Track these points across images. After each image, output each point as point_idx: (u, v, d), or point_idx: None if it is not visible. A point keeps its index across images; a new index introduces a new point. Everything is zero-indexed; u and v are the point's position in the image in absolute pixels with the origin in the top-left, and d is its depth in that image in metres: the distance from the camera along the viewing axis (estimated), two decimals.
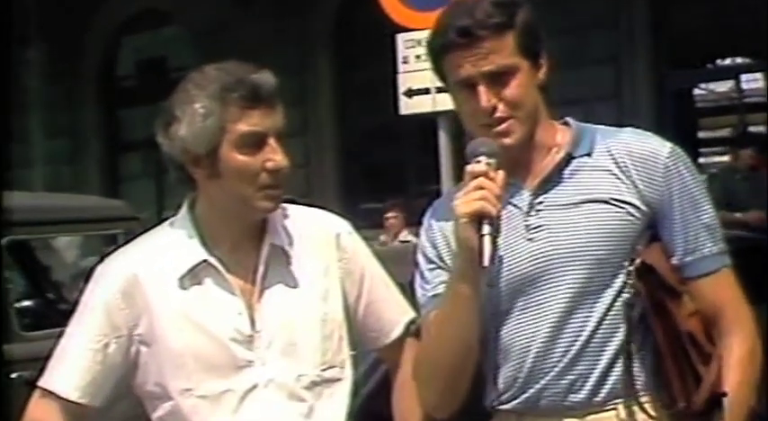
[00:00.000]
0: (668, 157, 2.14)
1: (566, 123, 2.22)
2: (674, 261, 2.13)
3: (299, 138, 11.25)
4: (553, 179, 2.15)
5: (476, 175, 2.04)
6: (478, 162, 2.05)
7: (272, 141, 2.10)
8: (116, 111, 13.93)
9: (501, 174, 2.05)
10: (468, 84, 2.11)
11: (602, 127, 2.22)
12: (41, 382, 2.17)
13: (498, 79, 2.10)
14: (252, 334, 2.12)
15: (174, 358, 2.12)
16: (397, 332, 2.26)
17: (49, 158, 13.79)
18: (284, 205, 2.22)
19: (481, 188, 2.02)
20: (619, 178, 2.13)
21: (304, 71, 11.64)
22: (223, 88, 2.08)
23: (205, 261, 2.14)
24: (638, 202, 2.12)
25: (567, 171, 2.15)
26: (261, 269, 2.14)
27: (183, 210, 2.20)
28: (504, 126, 2.11)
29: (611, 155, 2.15)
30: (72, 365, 2.14)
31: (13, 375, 4.76)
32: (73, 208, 5.98)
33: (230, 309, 2.13)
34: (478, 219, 2.01)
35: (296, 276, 2.16)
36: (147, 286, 2.14)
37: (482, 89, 2.09)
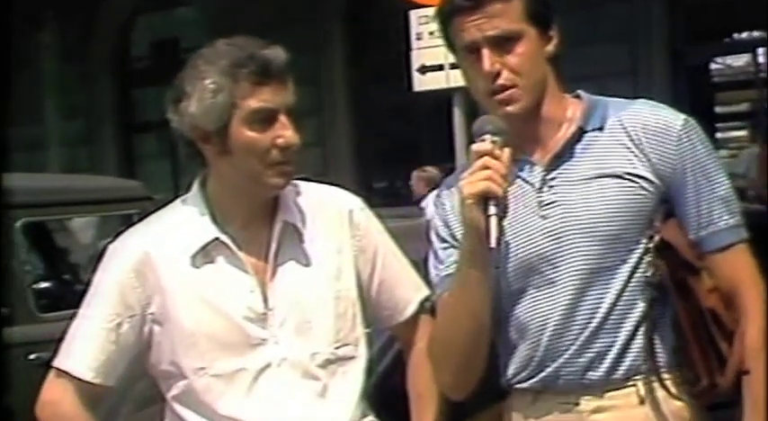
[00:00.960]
0: (681, 129, 2.11)
1: (578, 96, 2.20)
2: (690, 236, 2.10)
3: (314, 117, 11.23)
4: (565, 154, 2.12)
5: (481, 155, 2.02)
6: (484, 140, 2.03)
7: (282, 118, 2.08)
8: (131, 91, 13.94)
9: (507, 151, 2.03)
10: (473, 48, 2.08)
11: (615, 99, 2.19)
12: (56, 363, 2.16)
13: (503, 45, 2.07)
14: (265, 312, 2.11)
15: (186, 337, 2.11)
16: (410, 310, 2.25)
17: (65, 140, 13.83)
18: (296, 182, 2.20)
19: (486, 168, 2.00)
20: (632, 152, 2.10)
21: (317, 50, 11.61)
22: (233, 64, 2.06)
23: (217, 239, 2.12)
24: (651, 176, 2.09)
25: (579, 146, 2.12)
26: (273, 246, 2.13)
27: (195, 188, 2.19)
28: (507, 93, 2.08)
29: (624, 128, 2.12)
30: (85, 345, 2.14)
31: (32, 356, 4.79)
32: (89, 189, 6.00)
33: (243, 287, 2.12)
34: (484, 199, 2.00)
35: (308, 253, 2.15)
36: (159, 265, 2.13)
37: (486, 52, 2.07)
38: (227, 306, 2.11)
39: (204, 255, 2.13)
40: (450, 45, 2.15)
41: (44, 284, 6.18)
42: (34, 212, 5.47)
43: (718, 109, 12.09)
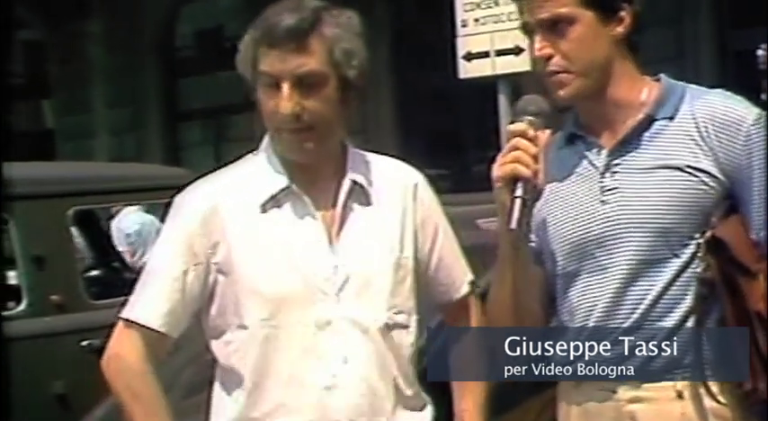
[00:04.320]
0: (753, 124, 2.06)
1: (659, 79, 2.16)
2: (752, 235, 2.05)
3: (357, 105, 11.24)
4: (632, 141, 2.10)
5: (514, 135, 2.02)
6: (522, 120, 2.03)
7: (285, 86, 2.07)
8: (176, 80, 14.03)
9: (546, 133, 2.03)
10: (528, 30, 2.09)
11: (694, 87, 2.15)
12: (124, 313, 2.17)
13: (555, 28, 2.07)
14: (332, 266, 2.12)
15: (251, 287, 2.11)
16: (465, 289, 2.26)
17: (112, 128, 13.96)
18: (363, 152, 2.23)
19: (516, 148, 2.00)
20: (698, 144, 2.06)
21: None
22: (258, 25, 2.10)
23: (288, 187, 2.13)
24: (714, 171, 2.05)
25: (646, 134, 2.10)
26: (340, 203, 2.14)
27: (265, 143, 2.20)
28: (557, 78, 2.08)
29: (695, 119, 2.08)
30: (154, 294, 2.14)
31: (84, 343, 4.87)
32: (137, 177, 6.06)
33: (311, 239, 2.12)
34: (513, 180, 2.00)
35: (374, 217, 2.16)
36: (226, 214, 2.14)
37: (537, 37, 2.07)
38: (294, 257, 2.11)
39: (274, 203, 2.13)
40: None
41: (95, 272, 6.27)
42: (84, 201, 5.55)
43: (765, 96, 11.94)
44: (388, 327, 2.14)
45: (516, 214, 1.98)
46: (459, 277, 2.26)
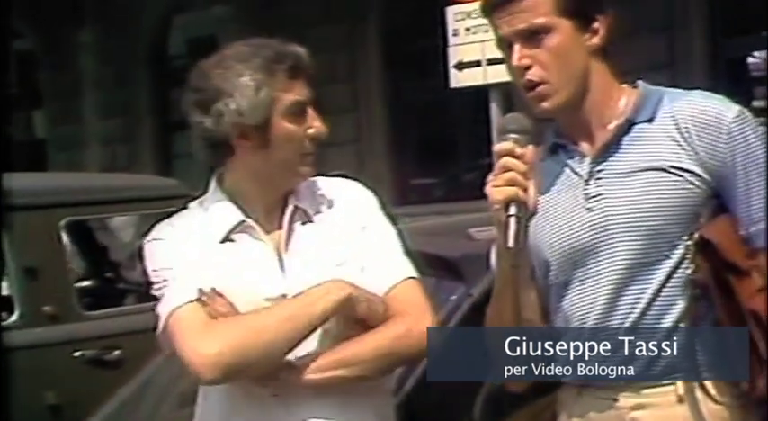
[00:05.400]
0: (733, 122, 2.07)
1: (637, 87, 2.17)
2: (742, 232, 2.06)
3: (350, 114, 11.25)
4: (613, 146, 2.11)
5: (502, 154, 2.03)
6: (507, 140, 2.05)
7: (310, 110, 2.21)
8: (168, 90, 14.05)
9: (530, 149, 2.04)
10: (507, 43, 2.10)
11: (672, 90, 2.16)
12: (167, 308, 2.17)
13: (533, 39, 2.07)
14: (285, 293, 2.19)
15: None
16: (393, 280, 2.23)
17: (104, 138, 13.96)
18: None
19: (507, 169, 2.01)
20: (680, 145, 2.08)
21: (353, 46, 11.63)
22: (269, 60, 2.18)
23: (243, 222, 2.21)
24: (698, 170, 2.06)
25: (627, 138, 2.11)
26: (285, 230, 2.22)
27: (213, 187, 2.28)
28: (538, 90, 2.08)
29: (675, 119, 2.09)
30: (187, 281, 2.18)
31: (76, 354, 4.86)
32: (129, 187, 6.06)
33: (267, 269, 2.20)
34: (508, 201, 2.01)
35: (317, 237, 2.23)
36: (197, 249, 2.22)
37: (516, 47, 2.08)
38: (252, 288, 2.19)
39: (230, 239, 2.22)
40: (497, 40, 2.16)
41: (87, 283, 6.26)
42: (76, 211, 5.54)
43: (756, 103, 11.99)
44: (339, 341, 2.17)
45: (512, 232, 1.99)
46: (393, 272, 2.23)
